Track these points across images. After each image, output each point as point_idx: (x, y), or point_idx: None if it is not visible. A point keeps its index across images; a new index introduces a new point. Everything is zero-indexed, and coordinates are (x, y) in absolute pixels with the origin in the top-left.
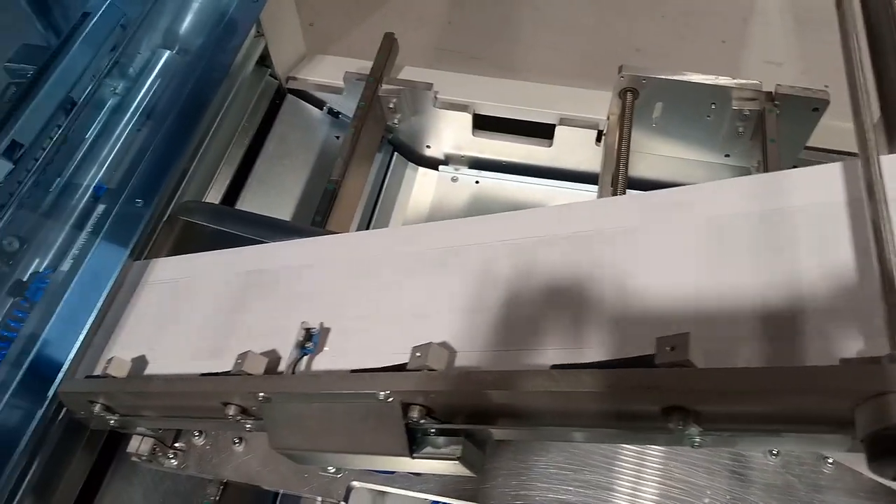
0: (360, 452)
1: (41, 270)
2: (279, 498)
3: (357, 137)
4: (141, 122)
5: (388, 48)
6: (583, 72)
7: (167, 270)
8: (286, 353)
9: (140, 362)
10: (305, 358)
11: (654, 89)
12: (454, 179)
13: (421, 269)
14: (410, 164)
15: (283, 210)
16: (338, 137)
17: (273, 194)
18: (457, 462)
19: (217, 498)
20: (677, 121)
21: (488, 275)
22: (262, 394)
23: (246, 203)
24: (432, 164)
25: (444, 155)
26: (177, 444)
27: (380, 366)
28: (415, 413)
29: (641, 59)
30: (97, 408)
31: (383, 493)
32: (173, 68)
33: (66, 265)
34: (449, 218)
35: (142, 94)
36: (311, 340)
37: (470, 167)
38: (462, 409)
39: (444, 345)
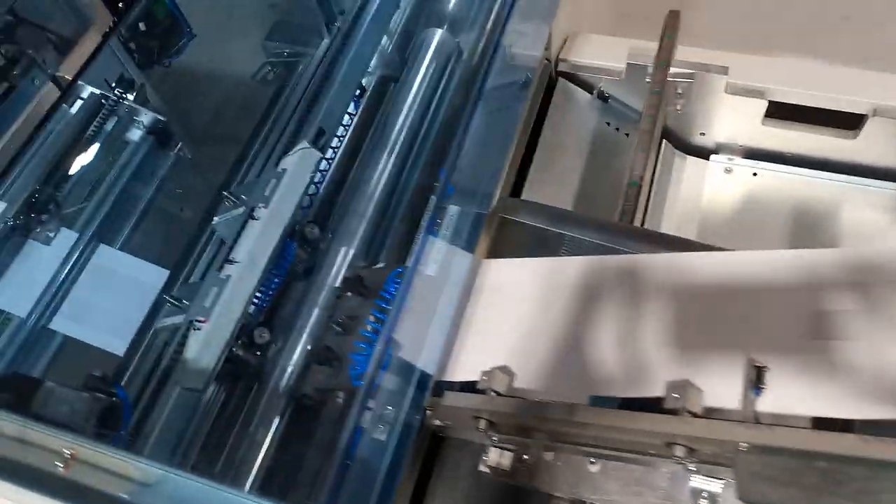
0: None
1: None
2: None
3: (654, 126)
4: (430, 105)
5: (673, 27)
6: (782, 44)
7: (516, 273)
8: (710, 383)
9: (508, 373)
10: (753, 399)
11: None
12: (728, 171)
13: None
14: (678, 151)
15: (564, 203)
16: (608, 124)
17: (553, 185)
18: None
19: None
20: None
21: None
22: (742, 443)
23: (531, 195)
24: (703, 153)
25: (715, 144)
26: (525, 458)
27: (841, 415)
28: None
29: (850, 28)
30: (482, 424)
31: None
32: (449, 48)
33: (414, 262)
34: (726, 213)
35: (423, 75)
36: (761, 380)
37: (744, 157)
38: None
39: None
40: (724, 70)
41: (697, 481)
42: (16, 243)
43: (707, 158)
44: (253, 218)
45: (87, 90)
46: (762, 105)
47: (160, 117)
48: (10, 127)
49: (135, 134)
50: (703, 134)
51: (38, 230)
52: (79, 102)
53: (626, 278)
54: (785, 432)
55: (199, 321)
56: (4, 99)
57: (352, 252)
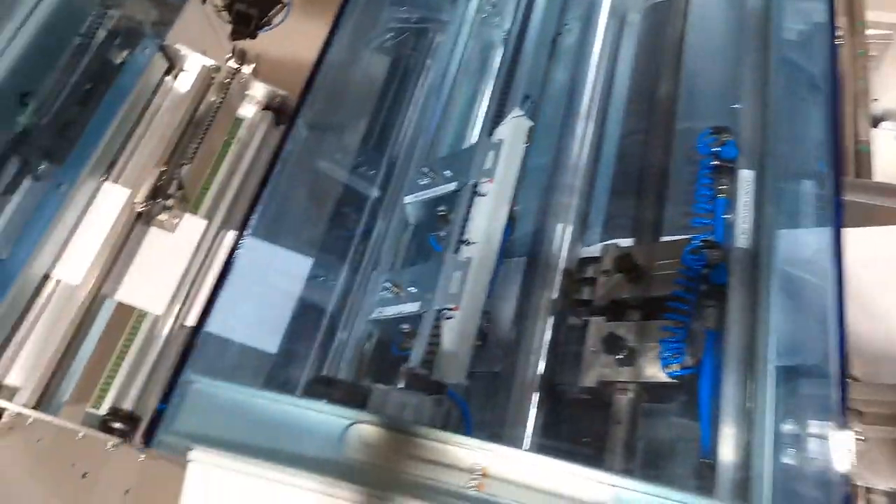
0: None
1: None
2: None
3: (868, 88)
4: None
5: None
6: None
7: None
8: None
9: None
10: None
11: None
12: None
13: None
14: None
15: None
16: None
17: None
18: None
19: None
20: None
21: None
22: None
23: None
24: (871, 121)
25: (883, 110)
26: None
27: None
28: None
29: None
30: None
31: None
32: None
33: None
34: None
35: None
36: None
37: None
38: None
39: None
40: None
41: None
42: (140, 232)
43: (875, 126)
44: (478, 194)
45: (199, 61)
46: None
47: (280, 91)
48: (124, 102)
49: (249, 110)
50: (876, 100)
51: (162, 217)
52: (191, 75)
53: None
54: None
55: (450, 309)
56: (118, 71)
57: (570, 229)
